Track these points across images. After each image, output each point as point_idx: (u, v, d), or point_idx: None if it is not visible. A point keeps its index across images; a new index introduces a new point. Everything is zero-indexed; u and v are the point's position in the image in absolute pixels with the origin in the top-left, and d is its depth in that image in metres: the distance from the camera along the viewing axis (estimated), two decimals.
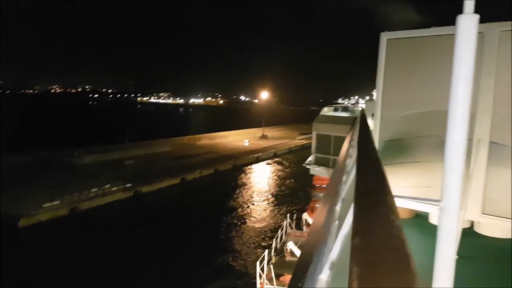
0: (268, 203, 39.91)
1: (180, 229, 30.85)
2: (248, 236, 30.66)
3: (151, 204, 37.89)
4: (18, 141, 65.66)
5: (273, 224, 32.84)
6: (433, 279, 3.04)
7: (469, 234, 10.39)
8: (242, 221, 34.17)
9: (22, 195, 34.25)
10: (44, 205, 32.11)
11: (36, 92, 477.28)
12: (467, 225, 11.27)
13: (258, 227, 32.67)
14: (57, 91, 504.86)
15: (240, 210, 37.28)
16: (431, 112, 10.77)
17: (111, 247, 27.28)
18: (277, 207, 38.36)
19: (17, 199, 33.32)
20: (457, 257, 8.62)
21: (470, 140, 9.68)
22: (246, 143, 75.28)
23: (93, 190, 36.29)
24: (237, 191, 44.26)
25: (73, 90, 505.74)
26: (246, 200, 41.07)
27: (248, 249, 28.08)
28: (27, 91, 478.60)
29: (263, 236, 30.40)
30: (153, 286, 22.15)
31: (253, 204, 39.43)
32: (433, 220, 11.87)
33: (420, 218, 12.25)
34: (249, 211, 37.07)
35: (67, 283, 22.19)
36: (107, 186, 37.72)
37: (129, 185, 39.22)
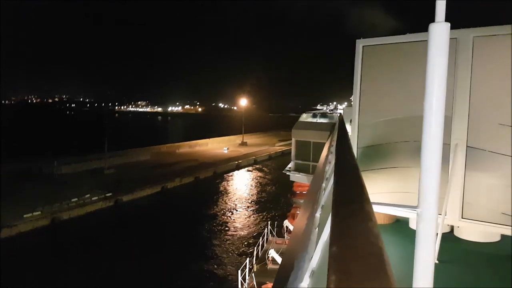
0: (249, 210, 40.84)
1: (161, 237, 31.33)
2: (230, 243, 31.42)
3: (132, 213, 38.13)
4: None
5: (255, 231, 33.73)
6: (413, 284, 3.04)
7: (449, 239, 10.46)
8: (224, 228, 34.93)
9: (2, 206, 33.99)
10: (25, 216, 32.03)
11: (12, 102, 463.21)
12: (447, 230, 11.21)
13: (240, 234, 33.48)
14: (34, 101, 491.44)
15: (221, 217, 38.06)
16: (408, 117, 10.79)
17: (92, 256, 27.59)
18: (258, 213, 39.30)
19: None
20: (437, 261, 8.66)
21: (447, 145, 9.81)
22: (225, 151, 76.06)
23: (73, 200, 36.30)
24: (218, 199, 45.01)
25: (50, 100, 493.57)
26: (227, 207, 41.88)
27: (231, 256, 28.76)
28: (3, 101, 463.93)
29: (245, 243, 31.19)
30: None
31: (235, 211, 40.28)
32: (413, 225, 11.84)
33: (400, 223, 12.25)
34: (231, 218, 37.88)
35: None
36: (87, 195, 37.79)
37: (109, 194, 39.38)
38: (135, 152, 65.91)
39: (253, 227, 35.15)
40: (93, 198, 37.68)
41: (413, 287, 3.04)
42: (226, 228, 34.80)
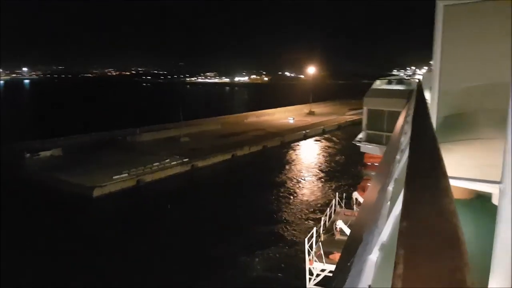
0: (317, 179, 41.02)
1: (232, 201, 33.16)
2: (297, 209, 32.18)
3: (206, 177, 40.82)
4: (84, 123, 71.91)
5: (322, 199, 34.03)
6: (491, 265, 2.93)
7: None
8: (292, 195, 35.72)
9: (93, 170, 38.27)
10: (114, 177, 35.86)
11: (94, 75, 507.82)
12: None
13: (308, 201, 34.03)
14: (113, 74, 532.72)
15: (289, 184, 38.82)
16: (496, 84, 9.11)
17: (175, 213, 30.27)
18: (326, 183, 39.35)
19: (89, 173, 37.32)
20: None
21: None
22: (290, 120, 75.77)
23: (155, 164, 39.68)
24: (286, 167, 45.77)
25: (127, 73, 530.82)
26: (294, 175, 42.49)
27: (298, 221, 29.61)
28: (86, 74, 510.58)
29: (312, 210, 31.75)
30: (209, 245, 24.57)
31: (302, 180, 40.76)
32: (496, 201, 10.93)
33: (482, 199, 11.50)
34: (298, 186, 38.48)
35: (141, 247, 25.30)
36: (167, 160, 41.01)
37: (186, 159, 42.27)
38: (207, 121, 69.05)
39: (321, 196, 35.42)
40: (172, 163, 40.79)
41: (491, 267, 2.91)
42: (294, 195, 35.54)
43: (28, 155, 41.84)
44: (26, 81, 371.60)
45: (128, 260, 22.91)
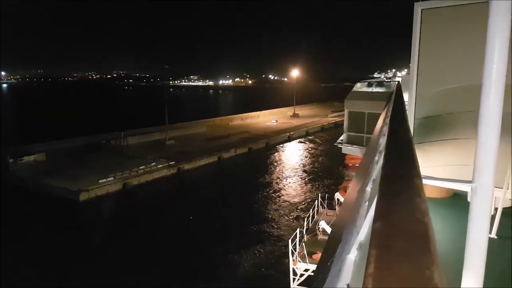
0: (301, 179, 41.91)
1: (221, 201, 33.68)
2: (283, 208, 32.94)
3: (193, 179, 41.21)
4: (67, 128, 71.03)
5: (307, 198, 34.93)
6: (464, 262, 2.98)
7: (510, 214, 9.87)
8: (278, 195, 36.46)
9: (79, 174, 38.10)
10: (100, 181, 35.85)
11: (75, 79, 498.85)
12: (508, 204, 10.48)
13: (293, 201, 34.84)
14: (95, 77, 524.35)
15: (275, 185, 39.58)
16: (470, 86, 9.83)
17: (161, 217, 30.56)
18: (310, 183, 40.29)
19: (75, 177, 37.15)
20: (495, 237, 8.76)
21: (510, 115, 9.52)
22: (273, 122, 76.94)
23: (141, 167, 39.81)
24: (272, 168, 46.56)
25: (109, 76, 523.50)
26: (280, 176, 43.29)
27: (284, 219, 30.36)
28: (67, 78, 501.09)
29: (298, 208, 32.60)
30: (198, 245, 25.05)
31: (287, 180, 41.58)
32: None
33: (458, 197, 11.69)
34: (284, 186, 39.27)
35: (127, 252, 25.55)
36: (153, 164, 41.19)
37: (172, 163, 42.53)
38: (192, 124, 69.28)
39: (305, 195, 36.32)
40: (159, 166, 41.02)
41: (464, 264, 2.98)
42: (280, 195, 36.32)
43: (11, 160, 41.30)
44: (4, 85, 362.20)
45: (114, 263, 23.13)
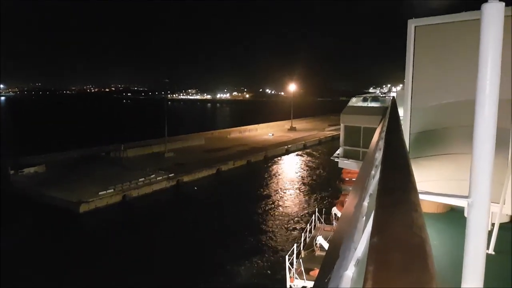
0: (300, 191, 42.39)
1: (220, 213, 34.06)
2: (282, 219, 33.31)
3: (193, 191, 41.62)
4: (66, 140, 71.46)
5: (305, 210, 35.38)
6: (462, 278, 2.96)
7: (507, 229, 9.75)
8: (276, 207, 36.88)
9: (79, 186, 38.45)
10: (100, 193, 36.20)
11: (73, 92, 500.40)
12: (505, 220, 10.46)
13: (291, 213, 35.23)
14: (93, 90, 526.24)
15: (273, 197, 40.01)
16: (465, 101, 9.94)
17: (160, 228, 30.88)
18: (308, 195, 40.74)
19: (75, 189, 37.50)
20: (493, 252, 8.79)
21: (507, 130, 9.06)
22: (270, 136, 77.73)
23: (140, 179, 40.21)
24: (270, 181, 47.04)
25: (107, 89, 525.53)
26: (278, 188, 43.75)
27: (283, 230, 30.73)
28: (65, 91, 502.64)
29: (296, 220, 32.99)
30: (197, 255, 25.36)
31: (285, 192, 42.03)
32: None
33: (455, 212, 11.62)
34: (282, 199, 39.70)
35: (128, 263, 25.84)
36: (152, 176, 41.61)
37: (171, 175, 42.99)
38: (191, 137, 69.97)
39: (303, 207, 36.79)
40: (158, 178, 41.44)
41: (462, 280, 2.96)
42: (278, 207, 36.75)
43: (12, 171, 41.62)
44: (2, 98, 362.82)
45: (112, 271, 23.39)
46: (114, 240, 28.91)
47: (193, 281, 22.56)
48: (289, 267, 16.70)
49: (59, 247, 27.26)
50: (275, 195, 40.91)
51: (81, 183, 39.37)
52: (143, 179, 40.47)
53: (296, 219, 33.34)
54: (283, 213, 35.11)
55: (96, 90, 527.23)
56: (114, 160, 50.91)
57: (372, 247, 1.16)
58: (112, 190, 37.33)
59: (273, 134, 79.13)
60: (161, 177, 41.96)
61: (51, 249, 26.70)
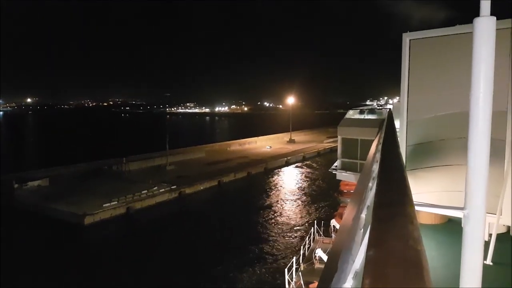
0: (300, 202, 43.07)
1: (222, 224, 34.68)
2: (282, 229, 33.97)
3: (195, 203, 42.36)
4: (68, 154, 72.08)
5: (306, 219, 36.04)
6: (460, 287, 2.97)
7: (505, 240, 9.76)
8: (277, 217, 37.52)
9: (83, 199, 38.98)
10: (104, 205, 36.77)
11: (71, 107, 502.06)
12: (503, 230, 10.49)
13: (292, 223, 35.87)
14: (90, 104, 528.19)
15: (273, 208, 40.64)
16: (460, 113, 10.06)
17: (165, 239, 31.43)
18: (308, 205, 41.47)
19: (79, 202, 38.01)
20: (491, 263, 9.02)
21: (502, 141, 9.16)
22: (268, 148, 78.67)
23: (143, 191, 40.86)
24: (270, 192, 47.73)
25: (105, 104, 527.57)
26: (279, 199, 44.42)
27: (283, 239, 31.36)
28: (63, 106, 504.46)
29: (296, 229, 33.66)
30: (201, 264, 25.91)
31: (285, 203, 42.69)
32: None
33: (452, 223, 11.65)
34: (283, 209, 40.35)
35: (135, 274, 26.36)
36: (155, 188, 42.27)
37: (174, 187, 43.67)
38: (191, 150, 70.77)
39: (304, 217, 37.45)
40: (161, 190, 42.11)
41: None
42: (279, 217, 37.42)
43: (16, 185, 42.17)
44: (0, 113, 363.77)
45: (118, 279, 23.95)
46: (119, 250, 29.45)
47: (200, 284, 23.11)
48: (288, 280, 16.58)
49: (66, 256, 27.76)
50: (275, 205, 41.55)
51: (84, 196, 39.91)
52: (146, 191, 41.12)
53: (296, 228, 33.99)
54: (284, 223, 35.73)
55: (94, 104, 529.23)
56: (117, 173, 51.53)
57: (369, 261, 1.18)
58: (116, 202, 37.91)
59: (270, 147, 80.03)
60: (163, 189, 42.62)
61: (59, 259, 27.18)
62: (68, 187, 44.08)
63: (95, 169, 53.04)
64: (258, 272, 25.47)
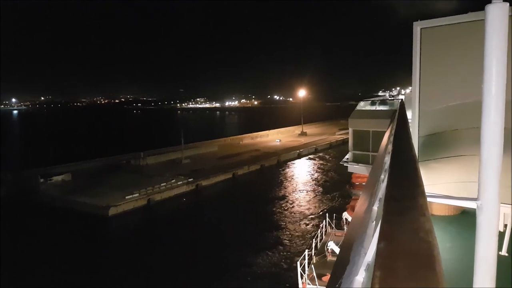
0: (313, 192, 44.33)
1: (239, 213, 36.18)
2: (297, 218, 35.33)
3: (211, 194, 44.15)
4: (87, 149, 74.46)
5: (319, 209, 37.30)
6: (473, 280, 2.94)
7: None
8: (291, 207, 38.86)
9: (105, 192, 40.84)
10: (127, 197, 38.58)
11: (84, 104, 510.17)
12: None
13: (305, 212, 37.19)
14: (103, 102, 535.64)
15: (287, 198, 41.98)
16: (473, 102, 8.41)
17: (185, 228, 33.08)
18: (321, 196, 42.71)
19: (102, 194, 39.89)
20: (507, 254, 9.12)
21: None
22: (277, 142, 79.18)
23: (162, 184, 42.61)
24: (284, 184, 49.05)
25: (117, 100, 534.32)
26: (292, 190, 45.74)
27: (298, 228, 32.71)
28: (75, 104, 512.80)
29: (309, 217, 35.00)
30: (220, 250, 27.40)
31: (298, 194, 43.97)
32: None
33: (466, 214, 11.19)
34: (296, 199, 41.64)
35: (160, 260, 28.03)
36: (173, 181, 44.00)
37: (191, 179, 45.37)
38: (205, 144, 72.44)
39: (317, 207, 38.67)
40: (178, 183, 43.86)
41: (474, 282, 2.95)
42: (293, 207, 38.74)
43: (42, 180, 44.31)
44: (15, 111, 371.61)
45: (147, 268, 25.63)
46: (141, 238, 31.21)
47: (216, 275, 24.58)
48: (301, 273, 16.68)
49: (95, 246, 29.63)
50: (288, 197, 42.83)
51: (106, 189, 41.77)
52: (164, 184, 42.84)
53: (310, 216, 35.27)
54: (297, 212, 37.06)
55: (106, 101, 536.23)
56: (135, 167, 53.44)
57: (379, 253, 1.18)
58: (137, 194, 39.71)
59: (280, 140, 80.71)
60: (181, 182, 44.34)
61: (84, 248, 29.06)
62: (90, 181, 46.07)
63: (114, 164, 55.07)
64: (275, 257, 26.86)
